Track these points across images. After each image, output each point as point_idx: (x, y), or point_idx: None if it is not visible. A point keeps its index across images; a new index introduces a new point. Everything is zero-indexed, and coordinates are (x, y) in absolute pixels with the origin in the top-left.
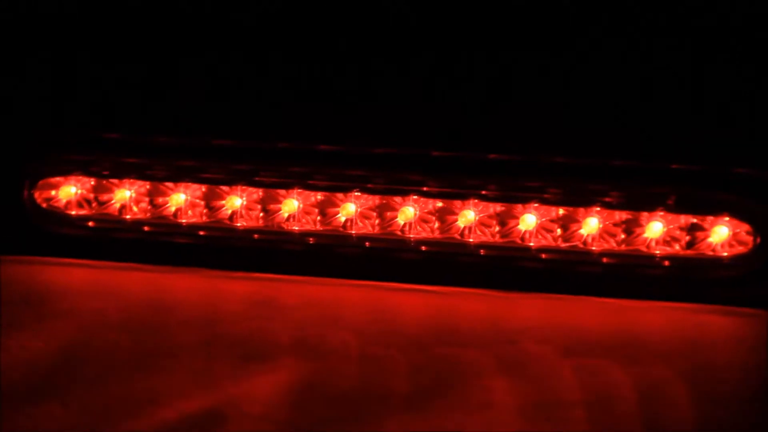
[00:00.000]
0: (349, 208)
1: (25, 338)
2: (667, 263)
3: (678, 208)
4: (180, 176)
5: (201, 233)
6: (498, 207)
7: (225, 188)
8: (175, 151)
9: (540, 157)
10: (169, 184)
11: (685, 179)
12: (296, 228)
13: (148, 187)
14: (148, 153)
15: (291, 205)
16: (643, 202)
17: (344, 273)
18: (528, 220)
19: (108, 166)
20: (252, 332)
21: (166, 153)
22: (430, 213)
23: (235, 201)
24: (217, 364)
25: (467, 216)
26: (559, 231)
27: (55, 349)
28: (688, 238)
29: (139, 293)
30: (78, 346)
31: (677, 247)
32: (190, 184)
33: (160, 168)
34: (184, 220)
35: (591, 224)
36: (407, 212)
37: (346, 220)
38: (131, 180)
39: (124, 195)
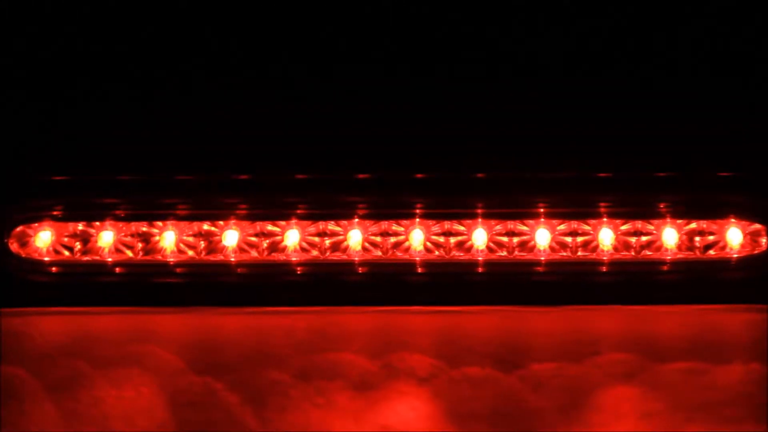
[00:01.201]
0: (354, 236)
1: (107, 389)
2: (682, 268)
3: (687, 213)
4: (167, 215)
5: (193, 271)
6: (508, 224)
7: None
8: (158, 190)
9: (541, 173)
10: (157, 223)
11: (690, 185)
12: (295, 258)
13: (138, 229)
14: (126, 193)
15: (292, 236)
16: (649, 210)
17: (350, 300)
18: (540, 235)
19: (81, 209)
20: (327, 364)
21: (145, 192)
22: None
23: (228, 236)
24: (336, 396)
25: (478, 239)
26: (571, 240)
27: (152, 396)
28: (704, 242)
29: (173, 334)
30: (176, 392)
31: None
32: (178, 222)
33: (140, 208)
34: (171, 259)
35: (605, 235)
36: (414, 237)
37: (347, 247)
38: (112, 222)
39: (104, 238)
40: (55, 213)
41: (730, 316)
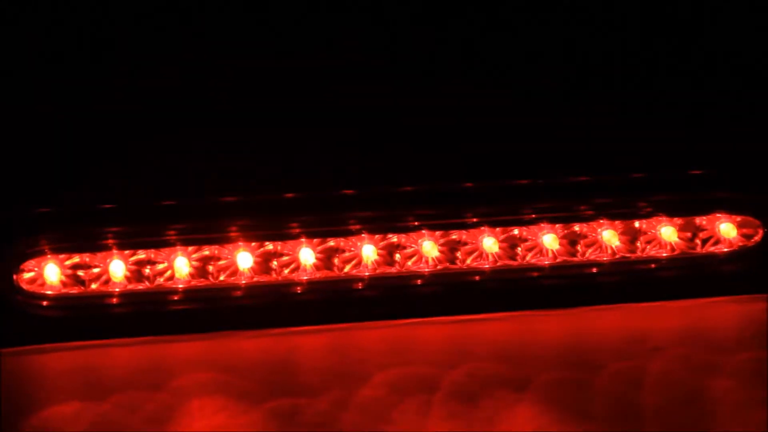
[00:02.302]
0: (365, 252)
1: (212, 418)
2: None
3: (675, 211)
4: (173, 241)
5: (204, 296)
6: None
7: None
8: (161, 216)
9: (538, 180)
10: (164, 250)
11: (676, 183)
12: (305, 278)
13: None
14: (130, 221)
15: (305, 256)
16: (641, 210)
17: (361, 316)
18: (547, 240)
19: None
20: (411, 378)
21: (150, 219)
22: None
23: (240, 259)
24: (435, 411)
25: (490, 246)
26: (578, 247)
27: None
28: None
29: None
30: (287, 415)
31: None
32: (185, 247)
33: (146, 235)
34: (181, 285)
35: (607, 236)
36: (427, 248)
37: (356, 264)
38: (119, 251)
39: (114, 268)
40: (60, 245)
41: (742, 307)
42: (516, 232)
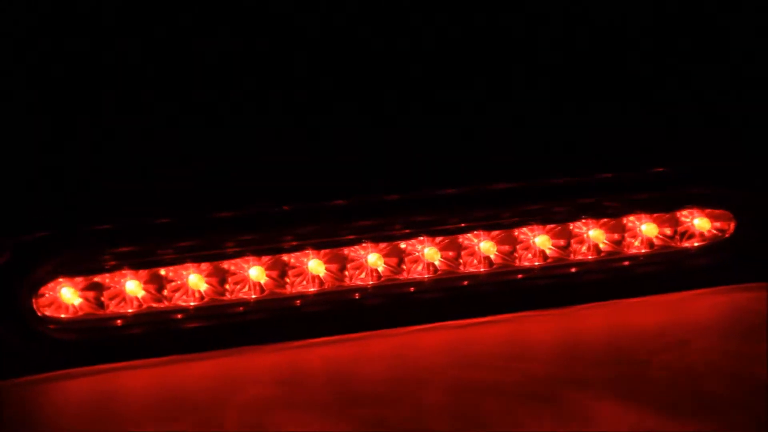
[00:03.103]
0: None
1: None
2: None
3: (655, 208)
4: (183, 258)
5: (215, 312)
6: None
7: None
8: (172, 232)
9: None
10: (173, 268)
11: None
12: (312, 290)
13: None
14: (139, 239)
15: (316, 266)
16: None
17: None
18: (539, 241)
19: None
20: (472, 382)
21: (161, 236)
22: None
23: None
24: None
25: (484, 247)
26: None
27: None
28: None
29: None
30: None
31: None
32: (196, 264)
33: (156, 253)
34: (193, 303)
35: (593, 235)
36: (427, 254)
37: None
38: (132, 271)
39: (125, 289)
40: (75, 267)
41: (736, 297)
42: (517, 233)
